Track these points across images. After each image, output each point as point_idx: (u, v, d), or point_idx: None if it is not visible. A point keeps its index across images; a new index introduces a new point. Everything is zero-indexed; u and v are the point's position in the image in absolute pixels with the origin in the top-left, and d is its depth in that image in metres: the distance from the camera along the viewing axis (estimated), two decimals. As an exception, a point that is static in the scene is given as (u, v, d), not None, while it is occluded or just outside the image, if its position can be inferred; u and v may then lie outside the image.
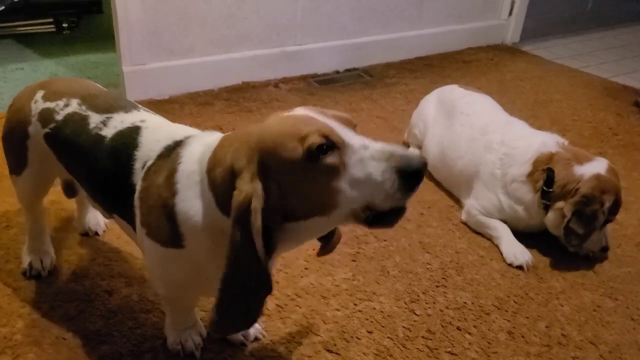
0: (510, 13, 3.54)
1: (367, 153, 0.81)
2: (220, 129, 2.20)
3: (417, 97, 2.30)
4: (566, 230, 1.56)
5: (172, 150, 0.99)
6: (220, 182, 0.87)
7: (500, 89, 2.82)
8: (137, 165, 1.02)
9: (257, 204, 0.80)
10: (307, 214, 0.85)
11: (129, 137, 1.06)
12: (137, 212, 0.99)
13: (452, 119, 1.92)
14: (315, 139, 0.79)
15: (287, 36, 2.73)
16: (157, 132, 1.06)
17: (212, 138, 0.96)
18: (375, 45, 3.04)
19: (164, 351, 1.19)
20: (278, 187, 0.82)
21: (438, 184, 1.95)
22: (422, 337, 1.30)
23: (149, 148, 1.03)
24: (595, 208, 1.52)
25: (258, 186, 0.81)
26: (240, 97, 2.52)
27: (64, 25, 3.21)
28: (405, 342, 1.28)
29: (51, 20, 3.17)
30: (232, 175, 0.85)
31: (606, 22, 4.12)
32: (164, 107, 2.36)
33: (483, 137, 1.77)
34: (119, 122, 1.10)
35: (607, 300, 1.47)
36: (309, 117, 0.84)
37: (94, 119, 1.12)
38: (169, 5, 2.34)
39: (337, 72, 2.93)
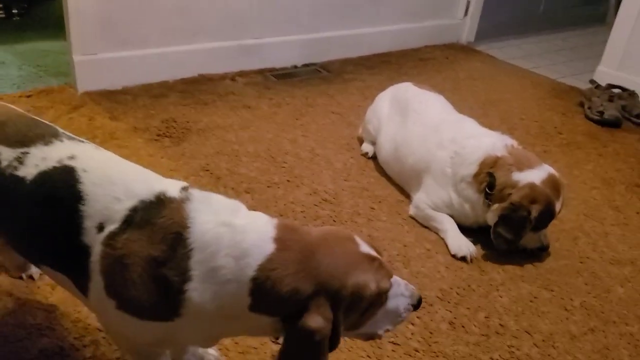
0: (466, 13, 3.63)
1: (399, 290, 0.97)
2: (174, 122, 2.18)
3: (373, 94, 2.33)
4: (494, 233, 1.62)
5: (149, 216, 0.86)
6: (277, 298, 0.84)
7: (454, 87, 2.89)
8: (88, 224, 0.87)
9: (328, 333, 0.86)
10: (345, 335, 0.94)
11: (63, 184, 0.90)
12: (101, 279, 0.87)
13: (405, 117, 1.97)
14: (386, 284, 0.92)
15: (244, 29, 2.72)
16: (106, 182, 0.90)
17: (242, 222, 0.87)
18: (333, 41, 3.06)
19: (106, 344, 1.18)
20: (337, 317, 0.87)
21: (389, 179, 1.99)
22: (367, 328, 1.33)
23: (102, 205, 0.88)
24: (523, 215, 1.57)
25: (331, 315, 0.86)
26: (196, 89, 2.50)
27: (13, 11, 3.10)
28: (350, 333, 1.31)
29: (0, 6, 3.05)
30: (297, 297, 0.84)
31: (557, 25, 4.28)
32: (117, 98, 2.32)
33: (435, 134, 1.81)
34: (39, 159, 0.93)
35: (544, 292, 1.54)
36: (373, 256, 0.92)
37: (5, 154, 0.95)
38: (123, -6, 2.30)
39: (295, 66, 2.94)
